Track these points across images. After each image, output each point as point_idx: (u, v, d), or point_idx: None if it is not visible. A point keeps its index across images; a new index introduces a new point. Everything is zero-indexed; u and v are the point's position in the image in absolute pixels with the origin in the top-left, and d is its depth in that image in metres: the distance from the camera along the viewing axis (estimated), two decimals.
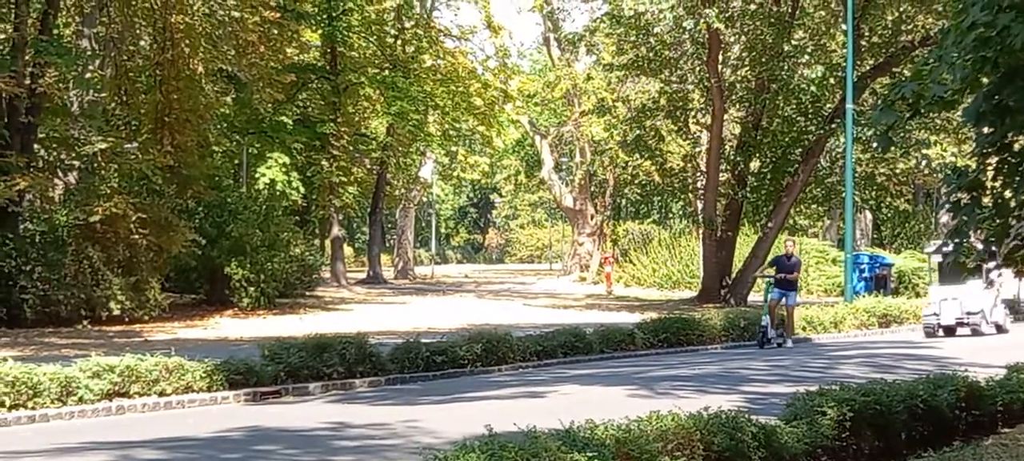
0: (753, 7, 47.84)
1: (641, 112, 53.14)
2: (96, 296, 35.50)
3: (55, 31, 39.49)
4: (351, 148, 59.81)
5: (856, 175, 47.77)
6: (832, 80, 48.86)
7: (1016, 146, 11.45)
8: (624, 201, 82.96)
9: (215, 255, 41.46)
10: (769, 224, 48.65)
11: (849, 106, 41.14)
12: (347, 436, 15.06)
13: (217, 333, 34.11)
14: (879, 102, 12.21)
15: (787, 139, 50.60)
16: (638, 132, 53.14)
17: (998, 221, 11.47)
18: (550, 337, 26.59)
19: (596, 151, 65.70)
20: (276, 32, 47.01)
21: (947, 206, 12.21)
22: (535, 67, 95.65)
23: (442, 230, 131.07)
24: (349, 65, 59.79)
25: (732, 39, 50.26)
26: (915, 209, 77.90)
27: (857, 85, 43.99)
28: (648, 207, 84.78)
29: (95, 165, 38.05)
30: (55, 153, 38.35)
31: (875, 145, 38.97)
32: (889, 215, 77.97)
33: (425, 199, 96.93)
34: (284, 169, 53.30)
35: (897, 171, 56.27)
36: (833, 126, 46.95)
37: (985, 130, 11.37)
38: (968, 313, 34.15)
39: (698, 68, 50.16)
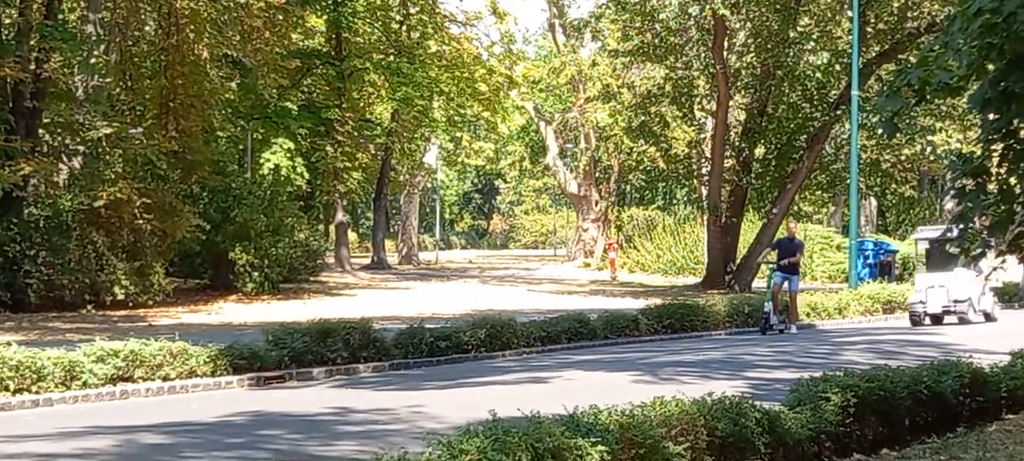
0: None
1: (646, 98, 53.12)
2: (100, 281, 35.54)
3: (60, 16, 39.53)
4: (356, 134, 59.78)
5: (861, 161, 47.70)
6: (837, 67, 48.89)
7: (1022, 132, 11.43)
8: (628, 187, 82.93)
9: (219, 240, 41.49)
10: (774, 210, 48.60)
11: (854, 93, 41.07)
12: (351, 421, 15.06)
13: (221, 318, 34.14)
14: (885, 88, 12.19)
15: (792, 125, 50.59)
16: (643, 118, 53.16)
17: (1003, 207, 11.46)
18: (554, 323, 26.58)
19: (601, 137, 65.67)
20: (281, 18, 46.99)
21: (952, 192, 12.24)
22: (540, 53, 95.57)
23: (446, 216, 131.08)
24: (354, 51, 59.75)
25: (737, 25, 50.24)
26: (920, 196, 77.83)
27: (862, 72, 43.94)
28: (652, 193, 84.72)
29: (100, 150, 38.04)
30: (60, 138, 38.36)
31: (880, 131, 38.98)
32: (894, 202, 77.93)
33: (429, 185, 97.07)
34: (288, 154, 53.30)
35: (902, 157, 56.18)
36: (838, 113, 46.92)
37: (991, 116, 11.35)
38: (955, 301, 33.38)
39: (703, 54, 50.15)
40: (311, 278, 48.58)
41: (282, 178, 51.73)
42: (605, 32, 59.19)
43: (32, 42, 35.66)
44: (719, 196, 49.59)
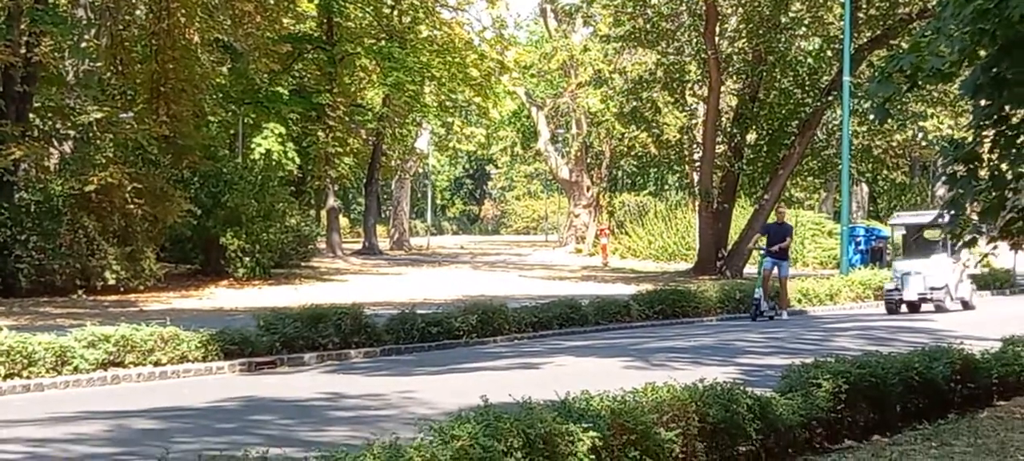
0: None
1: (638, 84, 53.12)
2: (91, 266, 35.49)
3: (50, 0, 39.40)
4: (347, 119, 59.71)
5: (853, 147, 47.76)
6: (829, 52, 48.95)
7: (1014, 119, 11.44)
8: (620, 173, 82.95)
9: (210, 225, 41.41)
10: (765, 196, 48.63)
11: (846, 78, 41.10)
12: (342, 407, 15.06)
13: (212, 303, 34.15)
14: (876, 74, 12.18)
15: (784, 111, 50.64)
16: (635, 104, 53.19)
17: (994, 193, 11.47)
18: (546, 308, 26.60)
19: (592, 123, 65.74)
20: (272, 2, 46.96)
21: (943, 178, 12.23)
22: (532, 38, 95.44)
23: (438, 201, 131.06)
24: (345, 35, 59.66)
25: (729, 10, 50.27)
26: (912, 181, 77.95)
27: (854, 57, 44.00)
28: (644, 179, 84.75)
29: (91, 135, 37.94)
30: (50, 122, 38.26)
31: (872, 117, 38.98)
32: (885, 187, 78.00)
33: (421, 170, 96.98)
34: (280, 139, 53.24)
35: (894, 143, 56.30)
36: (830, 98, 46.95)
37: (982, 102, 11.37)
38: (932, 288, 32.71)
39: (695, 40, 50.16)
40: (302, 263, 48.53)
41: (273, 163, 51.65)
42: (597, 17, 59.27)
43: (23, 26, 35.56)
44: (711, 182, 49.61)
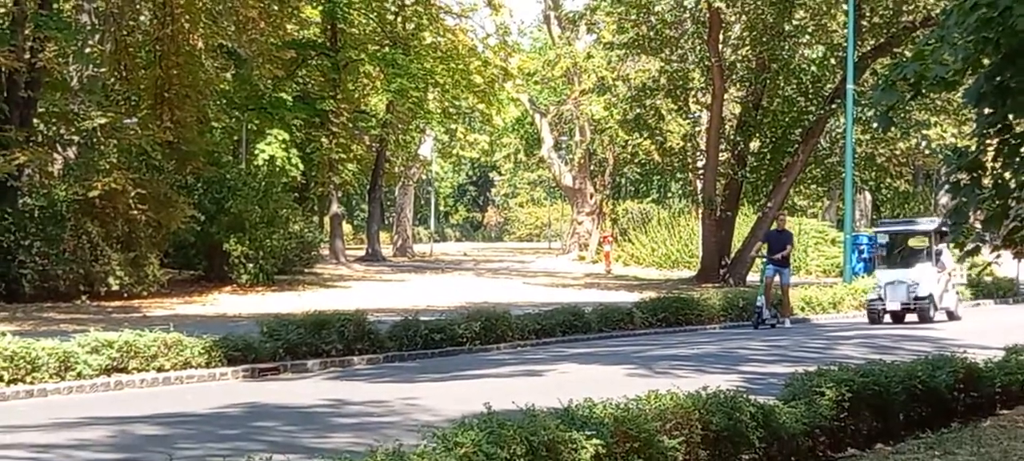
0: None
1: (641, 91, 53.17)
2: (95, 271, 35.53)
3: (55, 5, 39.45)
4: (351, 125, 59.77)
5: (856, 155, 47.71)
6: (833, 60, 48.95)
7: (1017, 127, 11.43)
8: (623, 180, 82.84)
9: (214, 231, 41.43)
10: (769, 204, 48.56)
11: (850, 86, 41.09)
12: (345, 413, 15.07)
13: (216, 309, 34.17)
14: (880, 82, 12.18)
15: (787, 119, 50.63)
16: (638, 111, 53.19)
17: (998, 202, 11.46)
18: (549, 316, 26.62)
19: (596, 130, 65.67)
20: (276, 8, 47.02)
21: (947, 186, 12.21)
22: (535, 45, 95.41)
23: (441, 208, 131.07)
24: (349, 42, 59.71)
25: (733, 18, 50.24)
26: (915, 190, 77.85)
27: (858, 65, 43.98)
28: (647, 186, 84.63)
29: (94, 140, 38.02)
30: (54, 128, 38.34)
31: (875, 125, 38.97)
32: (889, 196, 77.83)
33: (424, 177, 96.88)
34: (283, 146, 53.27)
35: (897, 152, 56.25)
36: (833, 106, 46.95)
37: (986, 111, 11.35)
38: (916, 298, 31.79)
39: (699, 47, 50.15)
40: (306, 270, 48.55)
41: (277, 169, 51.69)
42: (600, 24, 59.21)
43: (27, 31, 35.64)
44: (714, 190, 49.60)
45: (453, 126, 75.43)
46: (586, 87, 62.65)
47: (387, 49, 59.22)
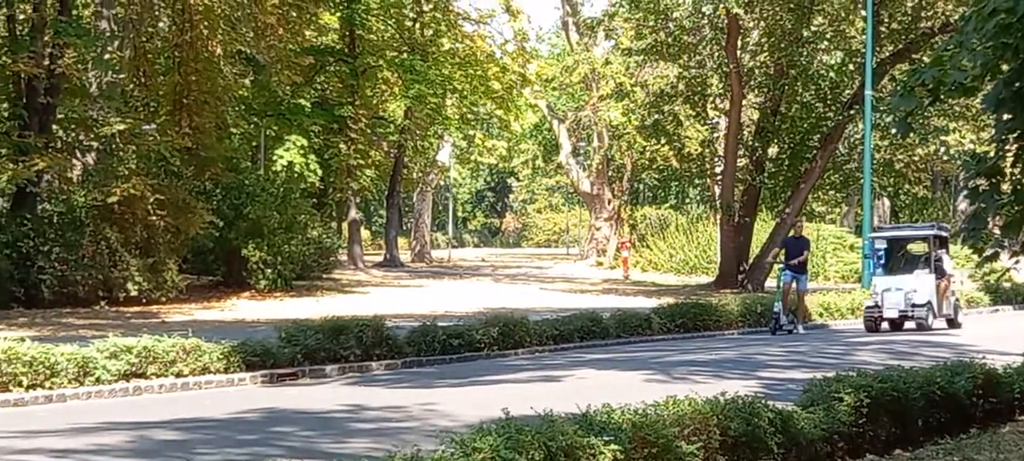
0: None
1: (659, 97, 53.09)
2: (114, 277, 35.61)
3: (74, 12, 39.61)
4: (369, 131, 59.83)
5: (874, 161, 47.63)
6: (851, 66, 48.86)
7: None
8: (641, 186, 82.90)
9: (232, 237, 41.51)
10: (787, 210, 48.46)
11: (868, 92, 41.03)
12: (364, 418, 15.08)
13: (234, 315, 34.20)
14: (898, 88, 12.16)
15: (805, 125, 50.56)
16: (656, 117, 53.12)
17: (1016, 208, 11.43)
18: (567, 321, 26.61)
19: (614, 136, 65.67)
20: (295, 14, 47.00)
21: (965, 192, 12.19)
22: (553, 51, 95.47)
23: (459, 214, 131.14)
24: (367, 48, 59.80)
25: (751, 24, 50.21)
26: (933, 196, 77.74)
27: (876, 71, 43.91)
28: (665, 192, 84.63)
29: (113, 146, 38.13)
30: (73, 134, 38.41)
31: (894, 131, 38.88)
32: (907, 202, 77.80)
33: (442, 183, 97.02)
34: (302, 151, 53.37)
35: (915, 157, 56.21)
36: (852, 112, 46.86)
37: (1005, 117, 11.32)
38: (913, 305, 30.91)
39: (717, 53, 50.09)
40: (324, 275, 48.60)
41: (295, 175, 51.76)
42: (618, 30, 59.25)
43: (46, 38, 35.72)
44: (732, 195, 49.53)
45: (471, 132, 75.47)
46: (604, 93, 62.57)
47: (405, 55, 59.30)
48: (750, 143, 50.85)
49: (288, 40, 46.39)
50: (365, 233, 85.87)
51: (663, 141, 53.98)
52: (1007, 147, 11.54)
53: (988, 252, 12.15)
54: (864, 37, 43.25)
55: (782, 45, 48.03)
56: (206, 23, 41.11)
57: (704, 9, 47.14)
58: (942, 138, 54.30)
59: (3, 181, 35.50)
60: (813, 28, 48.78)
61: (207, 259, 44.60)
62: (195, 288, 41.32)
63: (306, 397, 17.38)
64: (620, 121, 59.75)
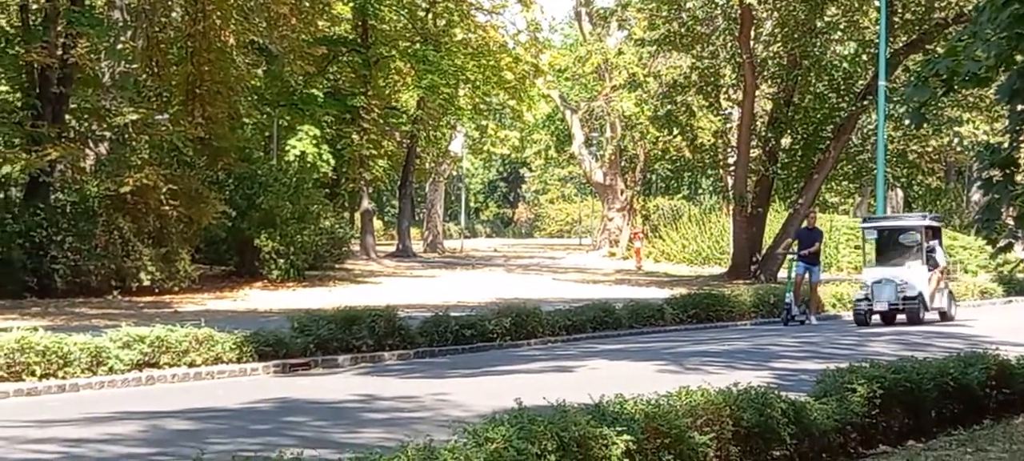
0: None
1: (672, 87, 53.03)
2: (126, 267, 35.67)
3: (87, 2, 39.60)
4: (381, 121, 59.89)
5: (888, 152, 47.47)
6: (864, 57, 48.74)
7: None
8: (654, 176, 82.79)
9: (245, 227, 41.56)
10: (800, 201, 48.38)
11: (882, 83, 40.89)
12: (376, 408, 15.08)
13: (247, 305, 34.24)
14: (912, 79, 12.12)
15: (819, 116, 50.46)
16: (669, 107, 53.04)
17: None
18: (579, 312, 26.59)
19: (627, 126, 65.57)
20: (307, 4, 47.05)
21: (979, 183, 12.12)
22: (566, 41, 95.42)
23: (471, 204, 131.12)
24: (380, 38, 59.82)
25: (764, 15, 50.08)
26: (947, 187, 77.56)
27: (890, 62, 43.77)
28: (678, 183, 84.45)
29: (126, 136, 38.17)
30: (86, 124, 38.47)
31: (907, 122, 38.76)
32: (920, 192, 77.58)
33: (455, 173, 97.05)
34: (314, 141, 53.40)
35: (929, 148, 55.98)
36: (865, 103, 46.73)
37: (1019, 107, 11.28)
38: (905, 298, 29.81)
39: (730, 44, 50.03)
40: (336, 265, 48.64)
41: (308, 165, 51.81)
42: (631, 21, 59.16)
43: (59, 28, 35.75)
44: (745, 186, 49.44)
45: (484, 122, 75.44)
46: (617, 83, 62.52)
47: (418, 45, 59.30)
48: (763, 134, 50.77)
49: (301, 30, 46.44)
50: (377, 223, 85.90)
51: (676, 131, 53.88)
52: (1021, 138, 11.50)
53: (1002, 243, 12.12)
54: (878, 27, 43.11)
55: (795, 35, 47.95)
56: (219, 13, 41.15)
57: (717, 0, 47.10)
58: (956, 129, 54.10)
59: (16, 171, 35.50)
60: (826, 18, 48.67)
61: (220, 249, 44.65)
62: (208, 278, 41.34)
63: (319, 387, 17.39)
64: (633, 111, 59.65)
